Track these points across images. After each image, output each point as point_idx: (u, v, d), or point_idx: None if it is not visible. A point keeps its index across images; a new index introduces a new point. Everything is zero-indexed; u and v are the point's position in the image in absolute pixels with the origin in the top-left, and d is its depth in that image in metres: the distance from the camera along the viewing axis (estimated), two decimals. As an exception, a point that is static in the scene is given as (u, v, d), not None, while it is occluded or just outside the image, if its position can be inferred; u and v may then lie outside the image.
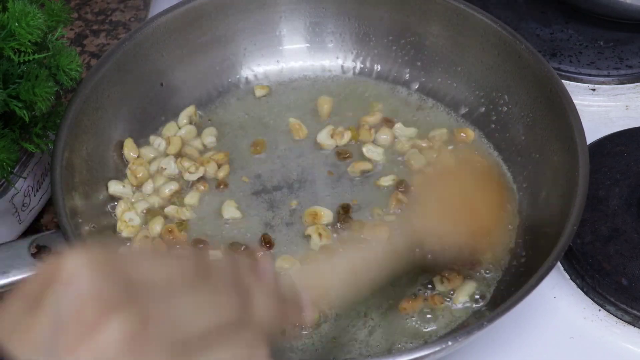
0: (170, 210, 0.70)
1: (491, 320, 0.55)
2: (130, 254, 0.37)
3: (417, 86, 0.82)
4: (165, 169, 0.72)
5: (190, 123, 0.77)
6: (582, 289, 0.69)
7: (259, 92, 0.81)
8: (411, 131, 0.77)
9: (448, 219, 0.59)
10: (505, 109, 0.77)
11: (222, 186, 0.73)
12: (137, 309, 0.33)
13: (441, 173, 0.68)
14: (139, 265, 0.36)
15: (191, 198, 0.71)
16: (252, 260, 0.42)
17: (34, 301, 0.33)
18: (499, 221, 0.63)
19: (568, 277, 0.70)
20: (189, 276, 0.36)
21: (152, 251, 0.37)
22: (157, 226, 0.68)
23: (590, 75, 0.86)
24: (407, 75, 0.82)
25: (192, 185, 0.73)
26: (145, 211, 0.70)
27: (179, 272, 0.36)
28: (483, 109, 0.78)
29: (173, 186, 0.72)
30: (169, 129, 0.76)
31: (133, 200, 0.71)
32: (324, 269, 0.53)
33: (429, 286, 0.65)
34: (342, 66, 0.84)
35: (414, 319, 0.63)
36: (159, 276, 0.35)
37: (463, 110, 0.79)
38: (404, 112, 0.80)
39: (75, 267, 0.33)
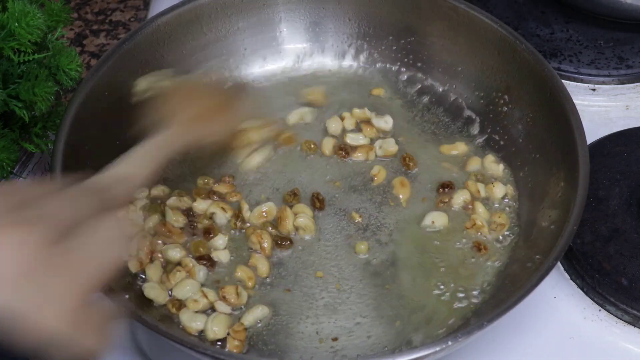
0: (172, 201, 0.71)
1: (491, 320, 0.55)
2: (54, 216, 0.43)
3: (417, 86, 0.82)
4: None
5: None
6: (582, 289, 0.69)
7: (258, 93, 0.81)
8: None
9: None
10: (505, 109, 0.77)
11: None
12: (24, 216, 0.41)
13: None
14: (59, 223, 0.42)
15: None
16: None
17: None
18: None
19: (568, 277, 0.70)
20: (59, 188, 0.45)
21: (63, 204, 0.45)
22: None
23: (590, 75, 0.86)
24: (407, 75, 0.82)
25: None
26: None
27: (50, 188, 0.45)
28: (483, 109, 0.78)
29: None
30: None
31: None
32: None
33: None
34: (342, 66, 0.84)
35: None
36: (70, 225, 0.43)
37: (463, 111, 0.79)
38: (404, 112, 0.80)
39: None
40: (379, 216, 0.71)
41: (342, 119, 0.78)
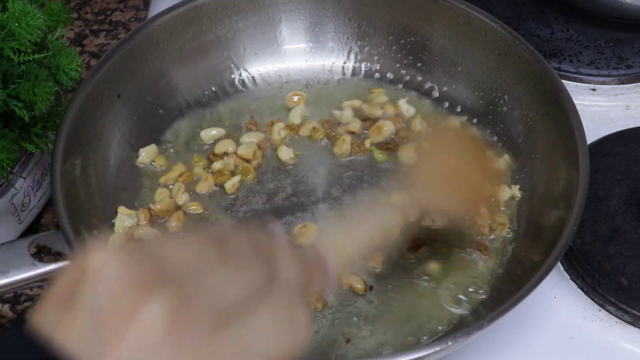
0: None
1: (491, 320, 0.55)
2: (151, 240, 0.38)
3: (417, 87, 0.82)
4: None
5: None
6: (582, 289, 0.69)
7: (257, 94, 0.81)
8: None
9: (447, 191, 0.62)
10: (505, 109, 0.77)
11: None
12: (172, 289, 0.33)
13: (436, 147, 0.69)
14: (162, 249, 0.36)
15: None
16: (263, 228, 0.42)
17: (69, 299, 0.33)
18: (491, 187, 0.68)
19: (568, 277, 0.70)
20: (211, 251, 0.37)
21: (171, 235, 0.37)
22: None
23: (590, 75, 0.86)
24: (407, 75, 0.82)
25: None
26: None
27: (201, 249, 0.37)
28: (483, 109, 0.78)
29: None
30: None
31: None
32: (343, 234, 0.53)
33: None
34: (342, 66, 0.84)
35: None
36: (184, 256, 0.36)
37: (463, 111, 0.79)
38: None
39: (102, 259, 0.33)
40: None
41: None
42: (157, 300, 0.32)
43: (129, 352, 0.31)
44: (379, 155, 0.75)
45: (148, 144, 0.75)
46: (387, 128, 0.77)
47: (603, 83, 0.86)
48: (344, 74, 0.83)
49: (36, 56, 0.62)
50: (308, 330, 0.39)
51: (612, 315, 0.67)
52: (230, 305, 0.35)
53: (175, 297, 0.33)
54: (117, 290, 0.33)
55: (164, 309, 0.32)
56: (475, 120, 0.78)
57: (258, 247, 0.39)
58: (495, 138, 0.77)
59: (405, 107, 0.79)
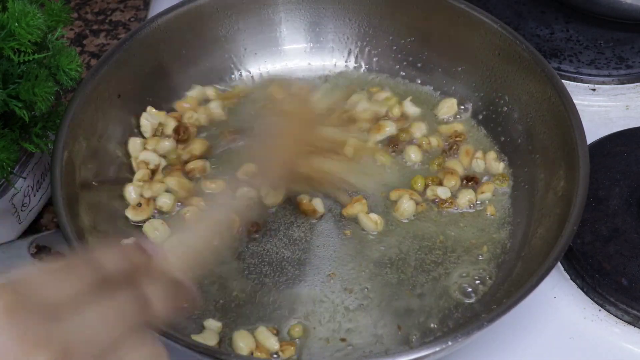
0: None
1: (491, 320, 0.55)
2: (33, 285, 0.37)
3: (417, 87, 0.82)
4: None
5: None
6: (582, 289, 0.69)
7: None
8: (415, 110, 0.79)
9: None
10: (505, 109, 0.77)
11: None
12: (55, 339, 0.35)
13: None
14: (41, 292, 0.37)
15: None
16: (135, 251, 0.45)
17: None
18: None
19: (568, 277, 0.70)
20: (90, 288, 0.38)
21: (48, 273, 0.38)
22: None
23: (590, 75, 0.86)
24: (407, 75, 0.82)
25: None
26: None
27: (79, 287, 0.38)
28: (483, 109, 0.78)
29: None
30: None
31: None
32: (188, 237, 0.54)
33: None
34: (342, 66, 0.84)
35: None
36: (64, 296, 0.37)
37: (463, 111, 0.79)
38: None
39: None
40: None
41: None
42: (42, 356, 0.34)
43: None
44: (381, 157, 0.75)
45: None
46: (389, 128, 0.77)
47: (603, 83, 0.86)
48: (344, 73, 0.83)
49: (36, 56, 0.62)
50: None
51: (612, 315, 0.67)
52: (107, 346, 0.37)
53: (59, 347, 0.35)
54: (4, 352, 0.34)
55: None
56: (475, 120, 0.78)
57: (132, 277, 0.41)
58: (495, 138, 0.77)
59: (412, 108, 0.79)
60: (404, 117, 0.79)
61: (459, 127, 0.78)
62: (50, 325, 0.35)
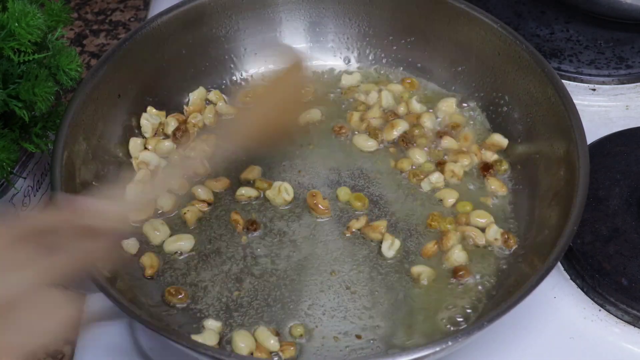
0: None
1: (491, 320, 0.55)
2: None
3: (417, 87, 0.82)
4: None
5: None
6: (582, 289, 0.69)
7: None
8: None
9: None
10: (505, 109, 0.77)
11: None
12: None
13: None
14: None
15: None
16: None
17: None
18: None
19: (568, 277, 0.70)
20: (16, 241, 0.41)
21: None
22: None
23: (590, 75, 0.86)
24: (408, 75, 0.82)
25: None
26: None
27: (6, 241, 0.41)
28: (483, 109, 0.78)
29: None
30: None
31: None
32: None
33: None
34: (342, 66, 0.84)
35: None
36: None
37: (463, 111, 0.79)
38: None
39: None
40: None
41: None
42: None
43: None
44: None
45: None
46: (401, 127, 0.77)
47: (603, 83, 0.86)
48: (344, 73, 0.83)
49: (36, 56, 0.62)
50: (66, 314, 0.43)
51: (612, 315, 0.67)
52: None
53: None
54: None
55: None
56: (475, 120, 0.78)
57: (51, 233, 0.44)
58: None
59: (418, 105, 0.79)
60: (411, 113, 0.79)
61: (458, 118, 0.78)
62: None
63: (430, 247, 0.68)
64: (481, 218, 0.70)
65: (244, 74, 0.82)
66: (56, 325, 0.42)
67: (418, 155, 0.75)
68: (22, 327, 0.40)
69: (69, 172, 0.65)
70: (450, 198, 0.72)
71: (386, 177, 0.74)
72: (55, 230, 0.44)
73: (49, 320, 0.42)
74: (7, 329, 0.39)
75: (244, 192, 0.72)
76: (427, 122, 0.78)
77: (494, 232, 0.69)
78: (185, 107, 0.78)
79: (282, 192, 0.71)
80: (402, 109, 0.79)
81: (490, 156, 0.75)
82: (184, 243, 0.68)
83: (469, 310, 0.64)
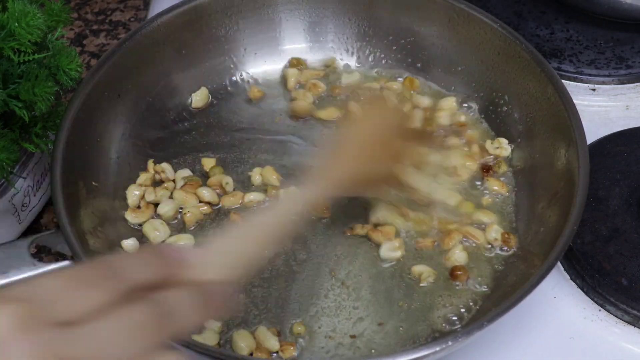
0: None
1: (491, 320, 0.55)
2: (49, 297, 0.36)
3: (417, 86, 0.82)
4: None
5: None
6: (582, 289, 0.69)
7: (257, 94, 0.81)
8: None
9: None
10: (505, 109, 0.77)
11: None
12: (69, 355, 0.34)
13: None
14: (57, 305, 0.36)
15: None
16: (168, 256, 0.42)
17: None
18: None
19: (568, 277, 0.70)
20: (110, 300, 0.37)
21: (66, 283, 0.37)
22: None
23: (590, 75, 0.86)
24: (408, 75, 0.82)
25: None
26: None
27: (98, 300, 0.37)
28: (483, 109, 0.78)
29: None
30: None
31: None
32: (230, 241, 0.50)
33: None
34: (342, 66, 0.84)
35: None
36: (82, 309, 0.36)
37: (463, 110, 0.79)
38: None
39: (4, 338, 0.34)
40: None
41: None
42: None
43: None
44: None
45: (149, 143, 0.75)
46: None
47: (603, 83, 0.86)
48: (344, 73, 0.83)
49: (36, 56, 0.62)
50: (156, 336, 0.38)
51: (612, 315, 0.67)
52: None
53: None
54: None
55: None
56: (475, 120, 0.78)
57: (157, 288, 0.39)
58: (497, 136, 0.77)
59: (426, 99, 0.80)
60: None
61: (462, 117, 0.78)
62: (64, 340, 0.35)
63: (428, 242, 0.68)
64: (485, 218, 0.70)
65: (244, 74, 0.82)
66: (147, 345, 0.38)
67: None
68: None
69: (69, 172, 0.65)
70: (452, 198, 0.72)
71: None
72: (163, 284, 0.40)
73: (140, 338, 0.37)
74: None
75: (253, 197, 0.72)
76: (442, 117, 0.78)
77: (495, 232, 0.69)
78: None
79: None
80: (407, 107, 0.79)
81: (492, 160, 0.75)
82: (184, 243, 0.68)
83: (463, 310, 0.64)
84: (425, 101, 0.79)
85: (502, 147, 0.75)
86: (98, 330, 0.36)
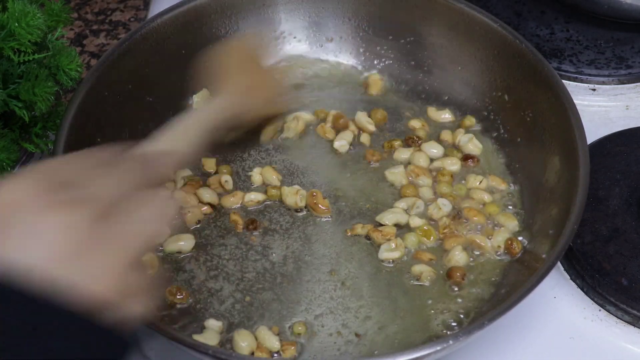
0: None
1: (491, 320, 0.55)
2: (51, 167, 0.48)
3: (417, 87, 0.82)
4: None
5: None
6: (582, 289, 0.69)
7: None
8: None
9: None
10: (505, 109, 0.77)
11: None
12: (77, 200, 0.43)
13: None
14: (62, 172, 0.46)
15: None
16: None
17: None
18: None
19: (568, 277, 0.70)
20: (100, 165, 0.48)
21: (67, 159, 0.51)
22: None
23: (590, 75, 0.86)
24: (407, 75, 0.82)
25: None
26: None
27: (93, 165, 0.47)
28: (483, 109, 0.78)
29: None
30: None
31: None
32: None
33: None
34: (342, 66, 0.84)
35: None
36: (82, 172, 0.46)
37: (463, 110, 0.79)
38: (403, 111, 0.80)
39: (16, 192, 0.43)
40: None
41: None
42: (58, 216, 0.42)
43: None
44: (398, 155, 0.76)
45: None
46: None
47: (603, 83, 0.86)
48: (343, 73, 0.83)
49: (36, 56, 0.62)
50: (170, 209, 0.49)
51: (612, 315, 0.67)
52: (113, 199, 0.45)
53: (72, 203, 0.43)
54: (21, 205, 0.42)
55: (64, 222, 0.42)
56: (475, 120, 0.78)
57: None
58: (495, 138, 0.77)
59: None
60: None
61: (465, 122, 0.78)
62: (65, 192, 0.43)
63: (425, 256, 0.68)
64: (508, 221, 0.69)
65: (244, 74, 0.82)
66: (160, 216, 0.48)
67: (434, 149, 0.76)
68: (135, 219, 0.45)
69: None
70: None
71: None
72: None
73: (154, 212, 0.47)
74: (125, 221, 0.45)
75: (253, 197, 0.72)
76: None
77: (501, 238, 0.68)
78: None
79: (297, 195, 0.71)
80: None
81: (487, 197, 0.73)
82: (184, 243, 0.68)
83: (462, 315, 0.64)
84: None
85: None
86: (96, 180, 0.45)
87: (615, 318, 0.67)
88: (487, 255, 0.68)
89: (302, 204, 0.71)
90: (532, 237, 0.68)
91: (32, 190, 0.42)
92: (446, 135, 0.77)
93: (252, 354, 0.61)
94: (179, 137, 0.59)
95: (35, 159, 0.71)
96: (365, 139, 0.77)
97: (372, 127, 0.77)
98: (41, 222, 0.41)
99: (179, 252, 0.68)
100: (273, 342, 0.62)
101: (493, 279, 0.67)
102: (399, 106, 0.80)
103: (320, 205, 0.71)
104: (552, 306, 0.68)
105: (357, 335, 0.63)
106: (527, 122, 0.74)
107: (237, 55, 0.72)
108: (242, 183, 0.74)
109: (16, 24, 0.60)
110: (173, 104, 0.79)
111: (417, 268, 0.67)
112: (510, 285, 0.64)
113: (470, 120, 0.78)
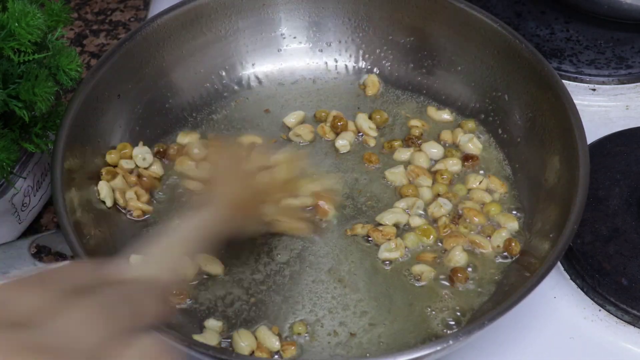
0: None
1: (491, 320, 0.55)
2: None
3: (417, 86, 0.82)
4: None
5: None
6: (582, 289, 0.69)
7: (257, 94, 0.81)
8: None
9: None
10: (505, 108, 0.77)
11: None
12: (32, 347, 0.34)
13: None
14: (10, 306, 0.36)
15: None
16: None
17: None
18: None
19: (568, 277, 0.70)
20: (63, 296, 0.37)
21: (15, 287, 0.37)
22: None
23: (590, 75, 0.86)
24: (407, 75, 0.82)
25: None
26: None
27: (50, 297, 0.37)
28: (483, 109, 0.78)
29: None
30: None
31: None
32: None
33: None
34: (342, 66, 0.84)
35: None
36: (36, 305, 0.36)
37: (463, 110, 0.79)
38: (403, 111, 0.80)
39: None
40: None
41: None
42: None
43: None
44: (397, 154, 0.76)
45: (149, 144, 0.75)
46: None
47: (603, 83, 0.86)
48: (344, 73, 0.83)
49: (36, 56, 0.62)
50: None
51: (612, 315, 0.67)
52: (90, 348, 0.36)
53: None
54: None
55: None
56: (475, 123, 0.78)
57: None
58: (495, 138, 0.77)
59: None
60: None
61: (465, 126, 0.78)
62: (25, 334, 0.35)
63: (428, 257, 0.68)
64: (508, 222, 0.69)
65: (244, 74, 0.82)
66: None
67: (434, 149, 0.76)
68: None
69: (69, 172, 0.65)
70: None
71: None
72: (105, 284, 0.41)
73: None
74: None
75: None
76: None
77: (501, 238, 0.68)
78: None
79: None
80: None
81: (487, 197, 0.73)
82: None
83: (458, 313, 0.64)
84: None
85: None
86: (58, 320, 0.36)
87: (615, 318, 0.67)
88: (487, 255, 0.68)
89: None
90: (532, 237, 0.68)
91: None
92: (446, 135, 0.77)
93: (252, 354, 0.61)
94: (162, 260, 0.52)
95: (35, 159, 0.71)
96: (367, 141, 0.77)
97: (374, 133, 0.77)
98: None
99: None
100: (273, 342, 0.62)
101: (493, 278, 0.67)
102: (399, 106, 0.80)
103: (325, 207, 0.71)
104: (552, 306, 0.68)
105: (352, 334, 0.63)
106: (527, 122, 0.74)
107: (227, 160, 0.67)
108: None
109: (16, 24, 0.60)
110: (173, 104, 0.79)
111: (417, 268, 0.67)
112: (510, 285, 0.64)
113: (470, 124, 0.77)
